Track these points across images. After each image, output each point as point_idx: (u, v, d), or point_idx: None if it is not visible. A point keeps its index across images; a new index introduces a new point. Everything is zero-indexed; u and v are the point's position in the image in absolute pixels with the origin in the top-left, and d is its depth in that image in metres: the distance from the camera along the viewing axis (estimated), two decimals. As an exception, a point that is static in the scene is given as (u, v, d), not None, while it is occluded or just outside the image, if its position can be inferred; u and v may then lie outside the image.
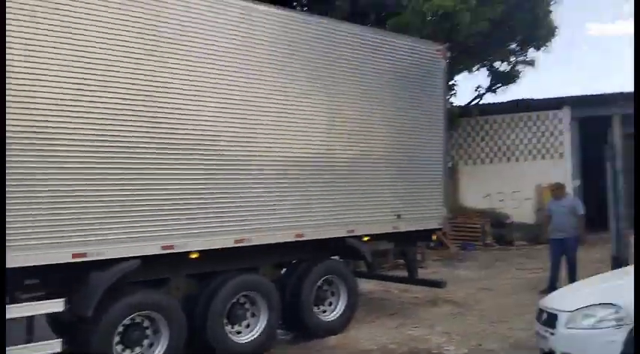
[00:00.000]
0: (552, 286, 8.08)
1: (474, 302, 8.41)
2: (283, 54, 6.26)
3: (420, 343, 6.43)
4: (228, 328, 5.91)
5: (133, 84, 5.16)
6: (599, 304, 4.49)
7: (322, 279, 6.82)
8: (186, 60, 5.48)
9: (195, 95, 5.57)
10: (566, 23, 42.40)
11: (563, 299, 4.99)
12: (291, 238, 6.29)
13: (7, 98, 4.42)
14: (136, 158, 5.18)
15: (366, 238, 7.17)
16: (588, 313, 4.48)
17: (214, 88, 5.71)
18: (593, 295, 4.75)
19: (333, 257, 7.11)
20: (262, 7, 6.18)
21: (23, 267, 4.54)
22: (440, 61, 8.05)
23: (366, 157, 7.09)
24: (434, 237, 8.54)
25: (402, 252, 8.49)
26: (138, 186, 5.19)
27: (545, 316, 4.83)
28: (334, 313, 6.95)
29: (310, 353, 6.26)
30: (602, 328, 4.36)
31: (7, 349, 4.66)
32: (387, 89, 7.32)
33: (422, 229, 7.82)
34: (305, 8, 14.63)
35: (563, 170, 16.68)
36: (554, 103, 17.18)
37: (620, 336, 4.22)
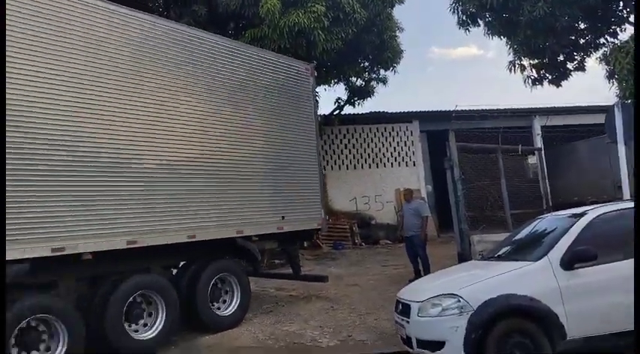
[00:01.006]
0: (418, 277, 9.02)
1: (344, 297, 9.05)
2: (151, 59, 6.49)
3: (295, 337, 6.77)
4: (127, 326, 6.03)
5: None
6: (444, 294, 5.02)
7: (217, 277, 7.18)
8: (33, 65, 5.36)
9: (70, 102, 5.62)
10: (413, 45, 46.84)
11: (415, 291, 5.62)
12: (183, 239, 6.55)
13: None
14: (26, 161, 5.15)
15: (254, 239, 7.67)
16: (435, 303, 4.99)
17: (92, 95, 5.81)
18: (439, 287, 5.31)
19: (225, 257, 7.47)
20: (124, 10, 6.30)
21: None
22: (309, 78, 9.02)
23: (249, 163, 7.62)
24: (315, 236, 9.33)
25: (285, 251, 9.09)
26: (29, 187, 5.14)
27: (400, 306, 5.44)
28: (229, 309, 7.34)
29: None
30: (447, 316, 4.87)
31: None
32: (262, 102, 7.98)
33: (303, 229, 8.56)
34: (162, 10, 14.57)
35: (416, 176, 18.86)
36: (405, 117, 19.36)
37: (463, 322, 4.78)
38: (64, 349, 5.34)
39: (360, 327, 7.22)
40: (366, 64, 16.73)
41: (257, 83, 7.94)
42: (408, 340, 5.32)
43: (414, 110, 19.41)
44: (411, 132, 19.64)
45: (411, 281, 7.49)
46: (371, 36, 14.80)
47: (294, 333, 6.99)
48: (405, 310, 5.39)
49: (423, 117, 19.20)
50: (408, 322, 5.28)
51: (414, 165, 19.45)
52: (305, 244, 12.93)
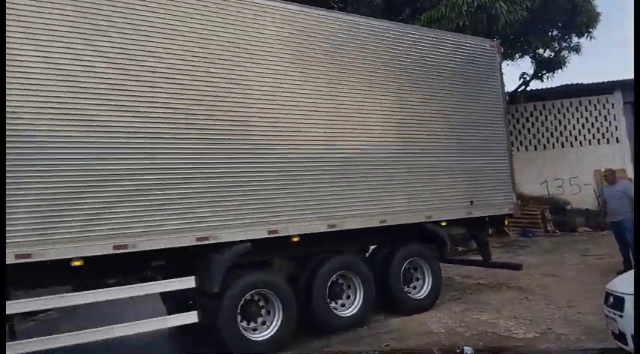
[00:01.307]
0: (628, 268, 8.23)
1: (539, 287, 8.52)
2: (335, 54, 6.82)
3: (487, 326, 6.54)
4: (331, 304, 6.61)
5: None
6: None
7: (408, 261, 7.41)
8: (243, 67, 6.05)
9: (284, 97, 6.29)
10: (613, 5, 40.51)
11: (629, 282, 5.00)
12: (375, 224, 6.89)
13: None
14: (242, 157, 5.93)
15: (443, 224, 7.70)
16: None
17: (289, 94, 6.37)
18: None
19: (413, 242, 7.63)
20: (308, 10, 6.70)
21: (151, 250, 5.28)
22: (495, 56, 8.58)
23: (436, 148, 7.64)
24: (506, 222, 9.00)
25: (473, 237, 8.93)
26: (249, 180, 5.93)
27: (611, 299, 4.96)
28: (421, 293, 7.54)
29: (378, 334, 6.59)
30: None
31: (149, 320, 5.58)
32: (447, 84, 7.86)
33: (493, 214, 8.33)
34: (340, 5, 14.92)
35: (620, 155, 16.56)
36: (605, 88, 17.06)
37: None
38: (279, 322, 6.06)
39: (560, 320, 6.78)
40: (556, 32, 15.37)
41: (440, 66, 7.88)
42: (620, 336, 4.85)
43: (616, 79, 16.98)
44: (612, 104, 17.36)
45: (619, 273, 6.80)
46: (561, 0, 13.57)
47: (485, 322, 6.82)
48: (617, 303, 4.95)
49: (627, 86, 16.61)
50: (621, 316, 4.83)
51: (617, 142, 17.18)
52: (490, 231, 12.46)
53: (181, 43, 5.66)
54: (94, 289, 5.25)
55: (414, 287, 7.61)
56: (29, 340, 4.86)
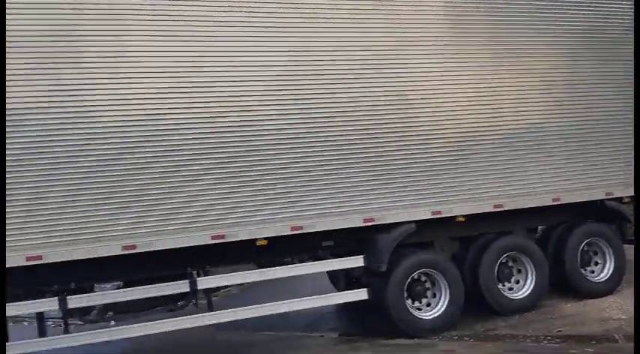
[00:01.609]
0: None
1: None
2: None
3: None
4: (499, 286, 6.40)
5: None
6: None
7: (586, 241, 6.88)
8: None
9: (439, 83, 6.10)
10: None
11: None
12: (547, 202, 6.46)
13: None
14: (410, 140, 5.96)
15: (626, 200, 6.97)
16: None
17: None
18: None
19: (589, 221, 7.05)
20: None
21: (322, 231, 5.60)
22: None
23: (612, 119, 6.88)
24: None
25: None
26: (417, 162, 5.96)
27: None
28: (601, 276, 6.97)
29: (548, 319, 6.29)
30: None
31: (323, 296, 5.97)
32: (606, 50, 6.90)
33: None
34: None
35: None
36: None
37: None
38: (446, 301, 6.06)
39: None
40: None
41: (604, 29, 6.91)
42: None
43: None
44: None
45: None
46: None
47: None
48: None
49: None
50: None
51: None
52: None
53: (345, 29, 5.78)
54: (272, 267, 5.77)
55: (592, 271, 7.02)
56: (224, 311, 5.55)
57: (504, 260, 6.50)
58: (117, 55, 4.99)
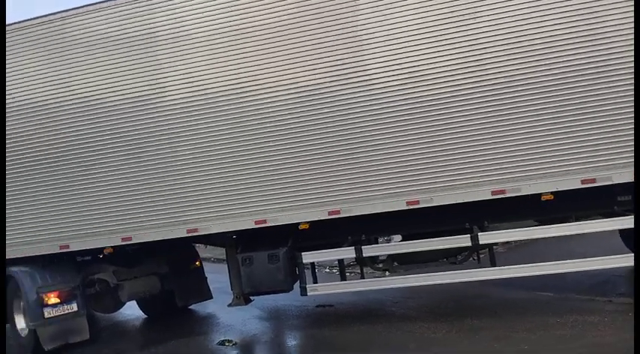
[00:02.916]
0: None
1: None
2: None
3: None
4: None
5: None
6: None
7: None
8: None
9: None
10: None
11: None
12: None
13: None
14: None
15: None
16: None
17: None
18: None
19: None
20: None
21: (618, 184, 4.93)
22: None
23: None
24: None
25: None
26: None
27: None
28: None
29: None
30: None
31: (617, 257, 5.30)
32: None
33: None
34: None
35: None
36: None
37: None
38: None
39: None
40: None
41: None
42: None
43: None
44: None
45: None
46: None
47: None
48: None
49: None
50: None
51: None
52: None
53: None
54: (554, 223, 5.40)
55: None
56: (510, 267, 5.48)
57: None
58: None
